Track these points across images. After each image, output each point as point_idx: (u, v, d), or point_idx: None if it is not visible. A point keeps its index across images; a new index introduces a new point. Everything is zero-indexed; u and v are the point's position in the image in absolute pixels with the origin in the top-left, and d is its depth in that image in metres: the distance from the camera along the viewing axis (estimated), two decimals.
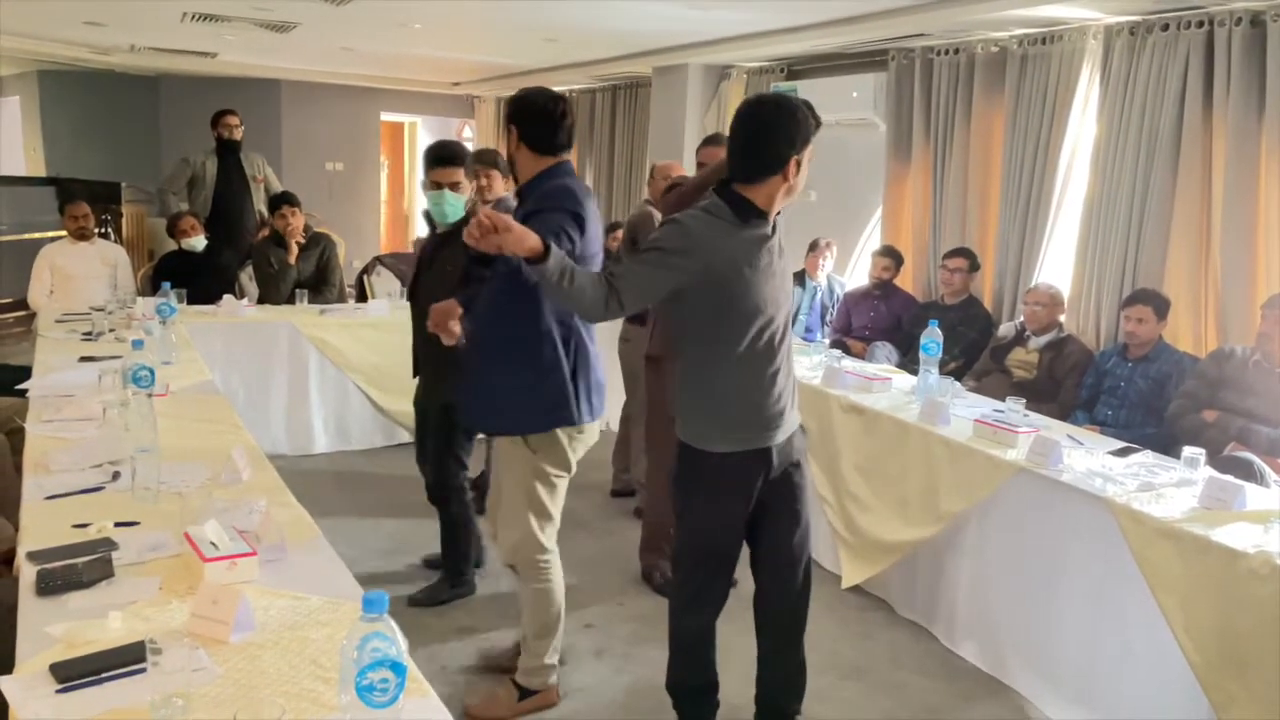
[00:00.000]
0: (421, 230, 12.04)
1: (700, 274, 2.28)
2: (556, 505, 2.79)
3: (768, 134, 2.32)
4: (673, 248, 2.29)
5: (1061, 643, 2.98)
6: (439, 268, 3.39)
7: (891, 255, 5.57)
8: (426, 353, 3.41)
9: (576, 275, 2.22)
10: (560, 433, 2.68)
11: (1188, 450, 3.02)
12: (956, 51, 5.38)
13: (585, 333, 2.71)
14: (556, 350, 2.63)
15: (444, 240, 3.44)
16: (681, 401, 2.49)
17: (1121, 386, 4.10)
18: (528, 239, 2.16)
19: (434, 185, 3.35)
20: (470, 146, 12.75)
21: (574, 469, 2.78)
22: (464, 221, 3.31)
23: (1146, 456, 3.19)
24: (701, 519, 2.52)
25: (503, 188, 3.71)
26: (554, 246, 2.20)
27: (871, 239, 6.42)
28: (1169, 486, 2.88)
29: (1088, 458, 3.15)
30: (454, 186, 3.34)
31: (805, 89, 6.34)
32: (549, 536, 2.79)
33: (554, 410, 2.65)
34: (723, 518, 2.51)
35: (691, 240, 2.29)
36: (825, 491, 3.91)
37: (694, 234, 2.30)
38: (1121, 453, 3.22)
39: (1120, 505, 2.74)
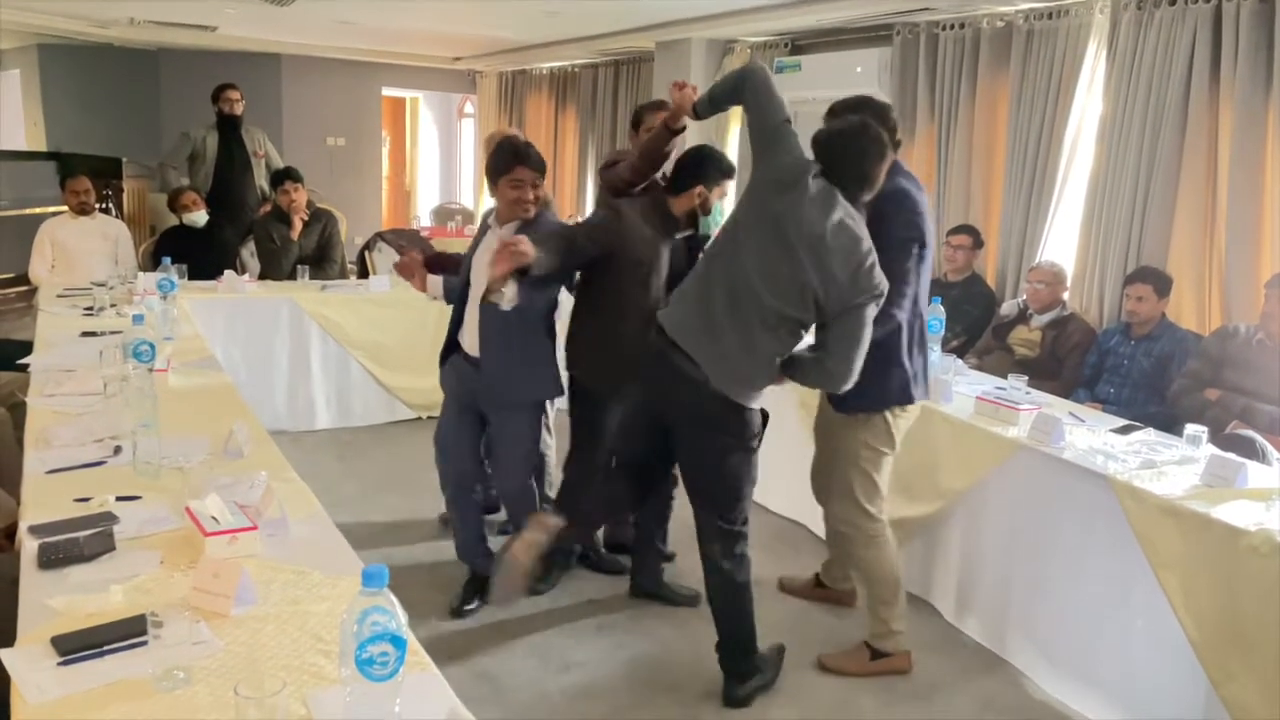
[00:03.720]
0: (424, 209, 12.02)
1: None
2: (883, 478, 3.00)
3: None
4: None
5: (1061, 619, 2.99)
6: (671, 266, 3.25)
7: None
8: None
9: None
10: (888, 412, 2.93)
11: (1190, 428, 3.02)
12: (962, 26, 5.33)
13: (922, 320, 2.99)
14: (901, 337, 2.91)
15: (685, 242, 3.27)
16: None
17: (1124, 365, 4.09)
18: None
19: None
20: (472, 122, 12.59)
21: (898, 446, 3.00)
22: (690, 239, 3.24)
23: (1148, 434, 3.18)
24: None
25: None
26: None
27: None
28: (1171, 464, 2.87)
29: (1089, 435, 3.14)
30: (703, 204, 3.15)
31: (809, 64, 6.30)
32: (877, 507, 3.00)
33: (904, 389, 2.91)
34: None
35: None
36: None
37: None
38: (1123, 430, 3.21)
39: (1121, 482, 2.74)
